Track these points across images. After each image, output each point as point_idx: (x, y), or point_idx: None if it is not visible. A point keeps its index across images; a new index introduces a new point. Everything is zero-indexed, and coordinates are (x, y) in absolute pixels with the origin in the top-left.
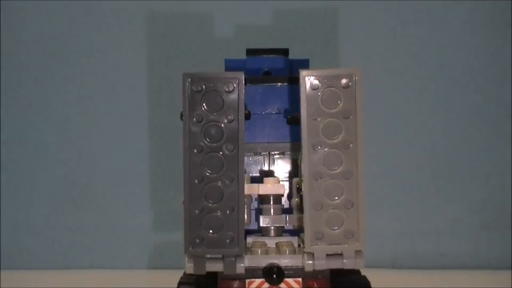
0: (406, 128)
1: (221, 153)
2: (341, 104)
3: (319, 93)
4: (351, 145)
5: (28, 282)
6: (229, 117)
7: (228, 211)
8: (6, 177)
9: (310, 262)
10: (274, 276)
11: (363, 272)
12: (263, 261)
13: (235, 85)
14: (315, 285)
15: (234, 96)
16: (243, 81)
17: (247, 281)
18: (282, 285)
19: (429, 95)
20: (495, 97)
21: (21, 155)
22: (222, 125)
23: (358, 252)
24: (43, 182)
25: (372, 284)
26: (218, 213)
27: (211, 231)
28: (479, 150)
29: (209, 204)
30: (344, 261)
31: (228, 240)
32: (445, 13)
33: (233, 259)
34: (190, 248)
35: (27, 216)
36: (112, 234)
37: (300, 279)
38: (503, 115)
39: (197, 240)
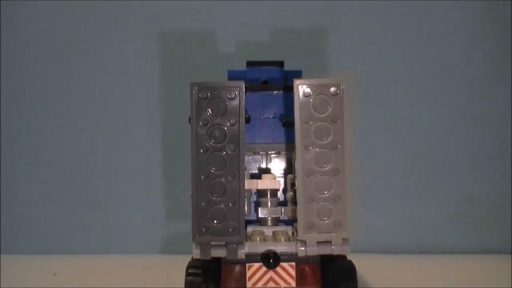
0: (401, 128)
1: (224, 152)
2: (330, 110)
3: (311, 100)
4: (338, 146)
5: (42, 266)
6: (231, 121)
7: (230, 204)
8: (21, 167)
9: (303, 248)
10: (271, 261)
11: (349, 257)
12: (261, 248)
13: (236, 93)
14: (307, 269)
15: (235, 102)
16: (244, 89)
17: (247, 265)
18: (278, 268)
19: (426, 95)
20: (488, 96)
21: (38, 151)
22: (225, 128)
23: (344, 240)
24: (63, 178)
25: (357, 267)
26: (222, 206)
27: (215, 221)
28: (475, 146)
29: (214, 198)
30: (333, 247)
31: (230, 229)
32: (442, 15)
33: (235, 246)
34: (197, 236)
35: (42, 207)
36: (129, 223)
37: (294, 264)
38: (498, 116)
39: (203, 229)
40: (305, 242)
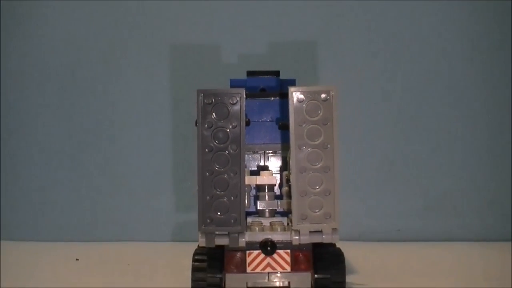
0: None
1: (227, 152)
2: (321, 114)
3: (304, 105)
4: (328, 146)
5: (63, 253)
6: (233, 124)
7: (232, 198)
8: (43, 158)
9: (297, 237)
10: (269, 248)
11: (338, 244)
12: (259, 237)
13: (238, 99)
14: (301, 255)
15: (237, 107)
16: (244, 95)
17: (247, 252)
18: (274, 255)
19: (412, 95)
20: (474, 97)
21: (62, 146)
22: (228, 130)
23: (334, 230)
24: (89, 169)
25: (345, 254)
26: (225, 199)
27: (219, 213)
28: (458, 144)
29: (218, 192)
30: (323, 236)
31: (232, 220)
32: (441, 15)
33: (236, 235)
34: (203, 227)
35: (62, 194)
36: (143, 213)
37: (289, 251)
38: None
39: (208, 220)
40: (299, 232)
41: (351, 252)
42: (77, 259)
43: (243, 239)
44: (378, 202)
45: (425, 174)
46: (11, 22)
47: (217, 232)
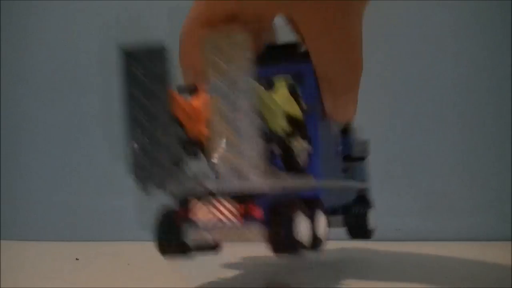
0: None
1: None
2: None
3: None
4: None
5: (63, 252)
6: None
7: None
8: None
9: None
10: None
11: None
12: None
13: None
14: None
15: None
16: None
17: None
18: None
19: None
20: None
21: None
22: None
23: None
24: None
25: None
26: None
27: None
28: (456, 146)
29: None
30: None
31: None
32: (440, 15)
33: None
34: None
35: (62, 194)
36: (143, 213)
37: None
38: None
39: None
40: None
41: (351, 252)
42: (77, 259)
43: None
44: (378, 202)
45: (425, 174)
46: (11, 22)
47: None
